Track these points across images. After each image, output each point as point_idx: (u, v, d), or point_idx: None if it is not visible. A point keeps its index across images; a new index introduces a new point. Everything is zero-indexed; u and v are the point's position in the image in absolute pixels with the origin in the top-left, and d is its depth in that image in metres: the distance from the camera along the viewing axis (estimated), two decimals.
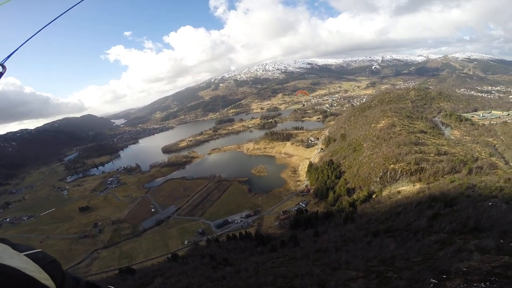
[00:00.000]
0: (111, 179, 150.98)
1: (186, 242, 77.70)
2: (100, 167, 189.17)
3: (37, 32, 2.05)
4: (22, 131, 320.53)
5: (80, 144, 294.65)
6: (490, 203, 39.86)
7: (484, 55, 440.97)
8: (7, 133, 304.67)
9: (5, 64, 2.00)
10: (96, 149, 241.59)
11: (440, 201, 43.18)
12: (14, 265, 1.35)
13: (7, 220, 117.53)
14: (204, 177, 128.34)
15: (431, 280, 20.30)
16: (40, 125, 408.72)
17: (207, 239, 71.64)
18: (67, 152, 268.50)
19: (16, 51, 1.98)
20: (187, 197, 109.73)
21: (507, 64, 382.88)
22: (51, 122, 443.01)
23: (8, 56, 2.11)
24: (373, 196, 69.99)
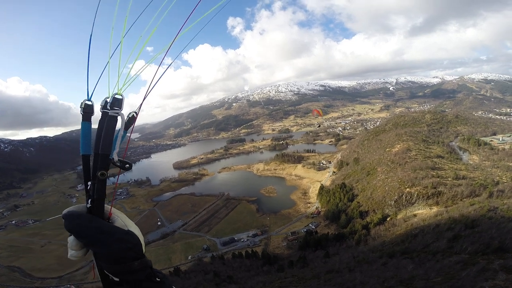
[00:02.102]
0: (121, 190, 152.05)
1: (189, 258, 75.52)
2: (111, 178, 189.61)
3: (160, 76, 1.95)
4: (41, 137, 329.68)
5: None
6: None
7: (502, 76, 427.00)
8: (27, 138, 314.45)
9: (136, 111, 1.93)
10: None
11: (460, 223, 40.48)
12: (134, 231, 1.74)
13: (13, 222, 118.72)
14: (213, 195, 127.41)
15: None
16: (59, 133, 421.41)
17: (212, 255, 69.50)
18: (80, 161, 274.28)
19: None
20: (194, 213, 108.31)
21: None
22: (69, 131, 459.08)
23: (140, 105, 1.99)
24: (388, 219, 66.84)
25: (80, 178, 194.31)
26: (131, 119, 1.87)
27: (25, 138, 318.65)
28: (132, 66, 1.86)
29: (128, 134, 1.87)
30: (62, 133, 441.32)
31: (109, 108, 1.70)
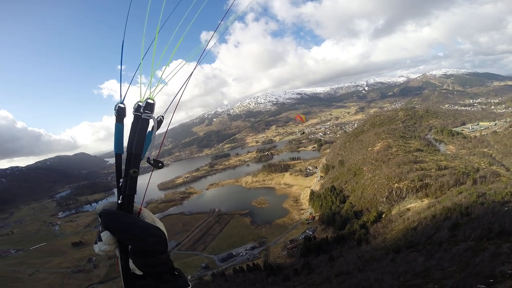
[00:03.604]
0: None
1: (189, 277, 72.02)
2: (94, 204, 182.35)
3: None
4: (12, 168, 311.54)
5: (72, 182, 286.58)
6: (506, 208, 39.01)
7: (459, 70, 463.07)
8: None
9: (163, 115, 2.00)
10: (89, 187, 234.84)
11: (455, 212, 42.03)
12: (161, 227, 1.84)
13: None
14: (204, 212, 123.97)
15: (479, 286, 18.80)
16: (31, 162, 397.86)
17: (212, 273, 66.86)
18: (58, 189, 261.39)
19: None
20: (187, 232, 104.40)
21: (481, 76, 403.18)
22: (43, 160, 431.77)
23: (167, 109, 2.10)
24: (383, 215, 68.10)
25: (60, 206, 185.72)
26: (159, 122, 1.96)
27: None
28: (163, 71, 2.00)
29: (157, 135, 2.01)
30: (35, 162, 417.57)
31: (142, 111, 1.82)
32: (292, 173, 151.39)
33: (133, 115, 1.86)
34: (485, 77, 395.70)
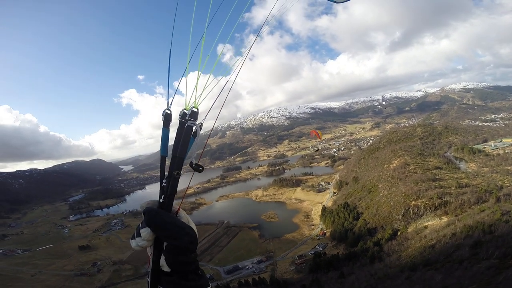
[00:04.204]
0: (115, 221, 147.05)
1: None
2: (105, 209, 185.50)
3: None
4: (31, 170, 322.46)
5: (86, 186, 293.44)
6: None
7: (479, 83, 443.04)
8: (17, 171, 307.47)
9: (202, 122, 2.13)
10: (102, 192, 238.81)
11: (477, 229, 38.97)
12: (193, 227, 1.93)
13: (0, 251, 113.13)
14: (212, 223, 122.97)
15: None
16: (50, 166, 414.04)
17: (217, 285, 64.94)
18: (72, 193, 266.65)
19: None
20: None
21: (503, 90, 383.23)
22: (61, 164, 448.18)
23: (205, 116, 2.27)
24: (398, 233, 64.62)
25: (72, 209, 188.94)
26: (199, 130, 2.10)
27: (14, 170, 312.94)
28: (207, 81, 2.17)
29: (202, 141, 2.23)
30: (53, 166, 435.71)
31: (187, 118, 1.98)
32: (304, 188, 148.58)
33: (178, 122, 2.00)
34: (507, 90, 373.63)
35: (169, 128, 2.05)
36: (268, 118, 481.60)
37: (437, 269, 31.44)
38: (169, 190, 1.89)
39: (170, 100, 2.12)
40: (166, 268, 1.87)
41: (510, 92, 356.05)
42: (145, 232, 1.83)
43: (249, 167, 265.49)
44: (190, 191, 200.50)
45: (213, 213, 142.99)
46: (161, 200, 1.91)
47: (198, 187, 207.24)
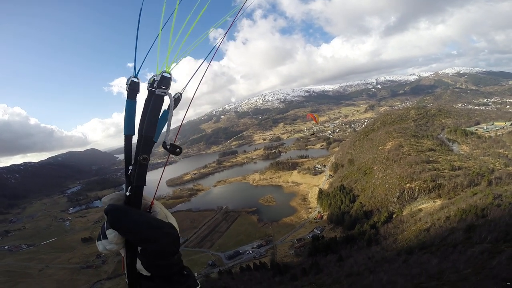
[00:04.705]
0: None
1: (196, 275, 71.58)
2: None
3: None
4: (25, 163, 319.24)
5: (83, 177, 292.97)
6: None
7: (473, 68, 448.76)
8: (11, 165, 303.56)
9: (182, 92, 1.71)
10: (99, 183, 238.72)
11: (470, 213, 40.69)
12: (173, 223, 1.60)
13: (6, 247, 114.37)
14: (211, 209, 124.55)
15: None
16: (44, 158, 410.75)
17: (219, 271, 67.00)
18: (69, 185, 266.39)
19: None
20: (194, 229, 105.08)
21: (496, 75, 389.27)
22: (55, 155, 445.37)
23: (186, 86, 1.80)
24: (394, 216, 66.83)
25: (71, 202, 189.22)
26: (176, 100, 1.67)
27: (8, 165, 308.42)
28: (181, 45, 1.63)
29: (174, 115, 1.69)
30: (47, 158, 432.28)
31: (156, 86, 1.51)
32: (300, 171, 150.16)
33: (147, 91, 1.54)
34: (500, 76, 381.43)
35: (135, 99, 1.58)
36: (263, 102, 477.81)
37: (432, 252, 33.06)
38: (135, 181, 1.46)
39: (138, 66, 1.62)
40: (145, 272, 1.55)
41: (503, 78, 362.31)
42: (112, 234, 1.44)
43: (245, 151, 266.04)
44: (187, 177, 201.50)
45: (211, 198, 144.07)
46: (128, 194, 1.49)
47: (195, 173, 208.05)
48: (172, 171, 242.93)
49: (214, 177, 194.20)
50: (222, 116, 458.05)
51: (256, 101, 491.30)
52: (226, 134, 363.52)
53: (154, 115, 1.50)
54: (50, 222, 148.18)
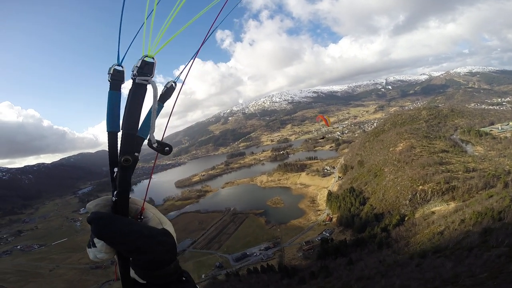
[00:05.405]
0: None
1: (203, 276, 72.46)
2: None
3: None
4: (39, 164, 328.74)
5: (94, 179, 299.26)
6: None
7: (485, 67, 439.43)
8: (25, 166, 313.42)
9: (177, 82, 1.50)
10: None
11: (486, 216, 39.19)
12: (169, 229, 1.51)
13: (18, 247, 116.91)
14: (219, 211, 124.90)
15: None
16: (57, 159, 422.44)
17: (226, 273, 66.77)
18: (81, 185, 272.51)
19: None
20: (202, 230, 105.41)
21: (510, 74, 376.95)
22: (67, 157, 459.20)
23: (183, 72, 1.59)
24: (406, 219, 65.19)
25: (82, 202, 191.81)
26: (169, 90, 1.43)
27: (22, 166, 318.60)
28: (166, 26, 1.34)
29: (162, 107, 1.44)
30: (60, 159, 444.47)
31: (136, 74, 1.24)
32: (308, 173, 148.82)
33: (131, 80, 1.28)
34: None
35: (120, 90, 1.32)
36: (270, 103, 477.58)
37: (446, 256, 31.90)
38: (118, 186, 1.30)
39: (122, 52, 1.32)
40: (140, 280, 1.40)
41: None
42: (99, 243, 1.29)
43: (253, 153, 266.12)
44: (195, 178, 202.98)
45: (219, 200, 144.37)
46: (114, 199, 1.32)
47: (204, 175, 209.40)
48: (181, 172, 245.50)
49: (222, 178, 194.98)
50: (230, 118, 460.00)
51: (263, 102, 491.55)
52: (234, 135, 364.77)
53: (135, 108, 1.25)
54: (62, 222, 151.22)
